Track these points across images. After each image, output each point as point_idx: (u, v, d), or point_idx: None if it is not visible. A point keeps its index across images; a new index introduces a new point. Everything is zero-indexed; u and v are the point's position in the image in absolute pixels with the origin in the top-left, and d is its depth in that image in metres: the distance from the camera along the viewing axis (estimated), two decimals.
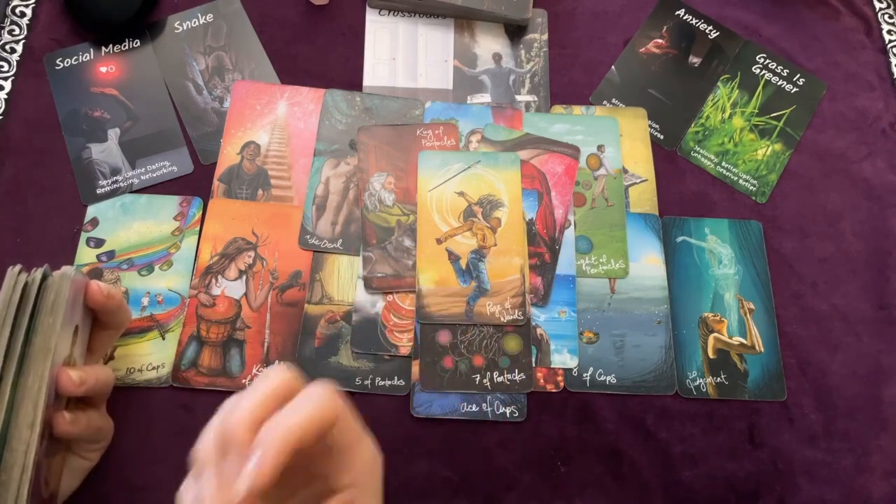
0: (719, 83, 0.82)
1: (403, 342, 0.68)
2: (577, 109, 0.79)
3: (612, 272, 0.72)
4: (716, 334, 0.70)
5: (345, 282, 0.70)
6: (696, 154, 0.78)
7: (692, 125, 0.80)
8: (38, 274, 0.49)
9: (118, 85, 0.77)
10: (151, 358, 0.66)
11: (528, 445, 0.65)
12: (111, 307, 0.55)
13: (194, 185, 0.73)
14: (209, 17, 0.81)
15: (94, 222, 0.71)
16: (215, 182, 0.73)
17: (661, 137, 0.79)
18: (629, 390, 0.68)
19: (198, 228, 0.71)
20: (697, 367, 0.69)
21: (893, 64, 0.84)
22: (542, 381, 0.67)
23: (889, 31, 0.86)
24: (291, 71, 0.79)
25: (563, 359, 0.68)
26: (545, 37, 0.82)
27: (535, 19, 0.83)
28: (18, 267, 0.49)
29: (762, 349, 0.70)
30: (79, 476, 0.58)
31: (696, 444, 0.66)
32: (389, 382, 0.67)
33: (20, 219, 0.70)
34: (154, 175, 0.73)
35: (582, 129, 0.77)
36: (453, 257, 0.70)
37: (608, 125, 0.78)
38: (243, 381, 0.66)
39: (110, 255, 0.70)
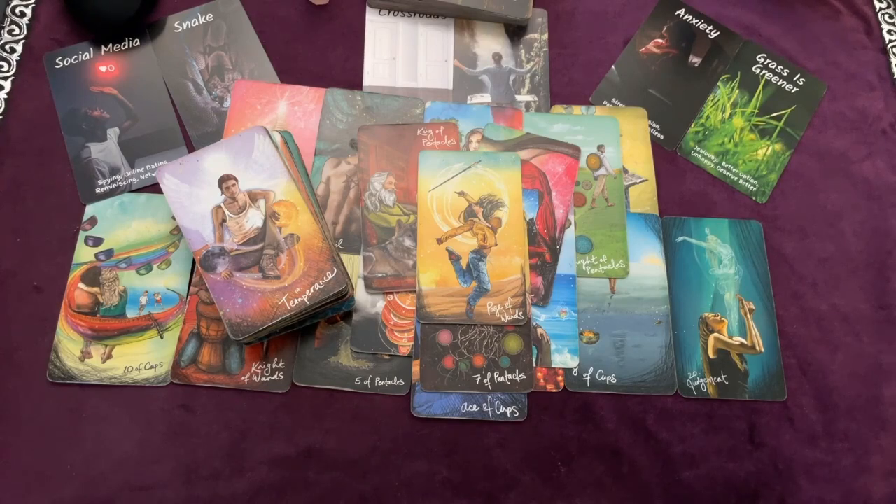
0: (719, 83, 0.82)
1: (403, 342, 0.68)
2: (577, 109, 0.79)
3: (613, 272, 0.71)
4: (716, 334, 0.70)
5: None
6: (696, 154, 0.78)
7: (692, 125, 0.79)
8: None
9: (118, 84, 0.76)
10: (149, 357, 0.66)
11: (528, 445, 0.65)
12: None
13: None
14: (209, 16, 0.81)
15: (93, 221, 0.71)
16: None
17: (661, 137, 0.79)
18: (629, 390, 0.67)
19: None
20: (697, 367, 0.69)
21: (893, 64, 0.84)
22: (542, 381, 0.67)
23: (889, 31, 0.86)
24: (291, 71, 0.79)
25: (563, 359, 0.68)
26: (545, 37, 0.82)
27: (535, 19, 0.83)
28: None
29: (762, 349, 0.70)
30: None
31: (696, 444, 0.66)
32: (389, 382, 0.67)
33: (20, 218, 0.70)
34: (153, 174, 0.73)
35: (582, 129, 0.77)
36: (454, 257, 0.70)
37: (608, 125, 0.78)
38: (242, 378, 0.66)
39: (108, 253, 0.69)
